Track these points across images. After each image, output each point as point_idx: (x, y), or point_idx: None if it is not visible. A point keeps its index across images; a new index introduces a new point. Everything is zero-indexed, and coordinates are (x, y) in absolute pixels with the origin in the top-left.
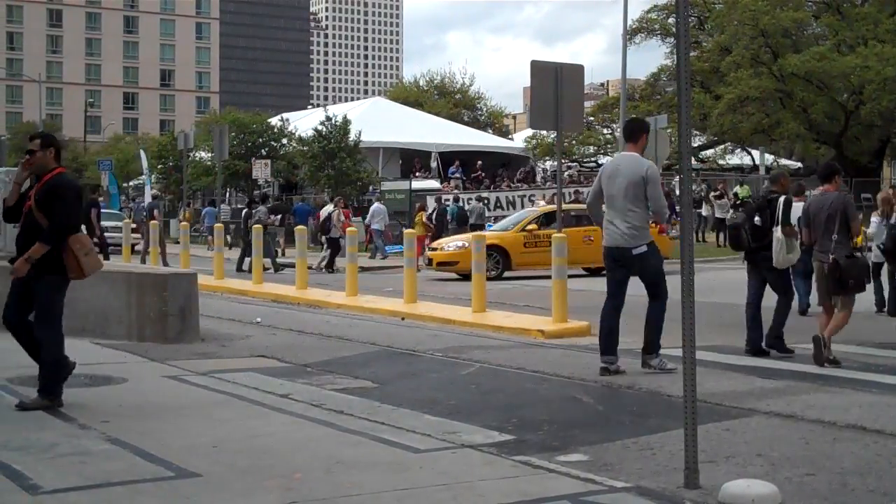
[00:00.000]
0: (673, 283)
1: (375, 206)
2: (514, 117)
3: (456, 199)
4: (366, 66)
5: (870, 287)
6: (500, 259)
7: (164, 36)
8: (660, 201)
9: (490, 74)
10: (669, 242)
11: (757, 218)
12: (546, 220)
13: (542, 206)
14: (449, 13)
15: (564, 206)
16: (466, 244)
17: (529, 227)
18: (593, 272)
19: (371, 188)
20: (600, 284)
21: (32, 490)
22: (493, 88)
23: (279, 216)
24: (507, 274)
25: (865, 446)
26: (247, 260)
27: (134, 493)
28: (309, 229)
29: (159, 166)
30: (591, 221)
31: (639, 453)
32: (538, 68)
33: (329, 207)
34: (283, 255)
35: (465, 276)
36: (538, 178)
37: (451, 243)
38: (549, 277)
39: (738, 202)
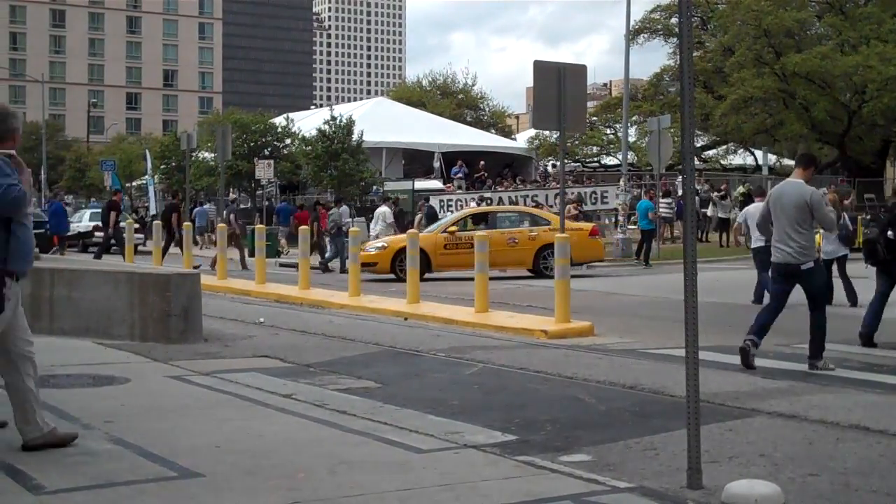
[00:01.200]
0: (675, 283)
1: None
2: (518, 117)
3: (426, 199)
4: (369, 66)
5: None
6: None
7: (167, 36)
8: (826, 222)
9: (493, 74)
10: (600, 244)
11: (890, 232)
12: (474, 221)
13: (471, 208)
14: (452, 13)
15: (490, 209)
16: (387, 245)
17: (451, 228)
18: (538, 273)
19: (374, 188)
20: (602, 285)
21: (36, 490)
22: (496, 89)
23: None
24: (430, 275)
25: (869, 446)
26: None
27: (137, 493)
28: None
29: (162, 167)
30: (518, 224)
31: (642, 454)
32: (541, 68)
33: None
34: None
35: (399, 278)
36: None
37: (373, 245)
38: (471, 279)
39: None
